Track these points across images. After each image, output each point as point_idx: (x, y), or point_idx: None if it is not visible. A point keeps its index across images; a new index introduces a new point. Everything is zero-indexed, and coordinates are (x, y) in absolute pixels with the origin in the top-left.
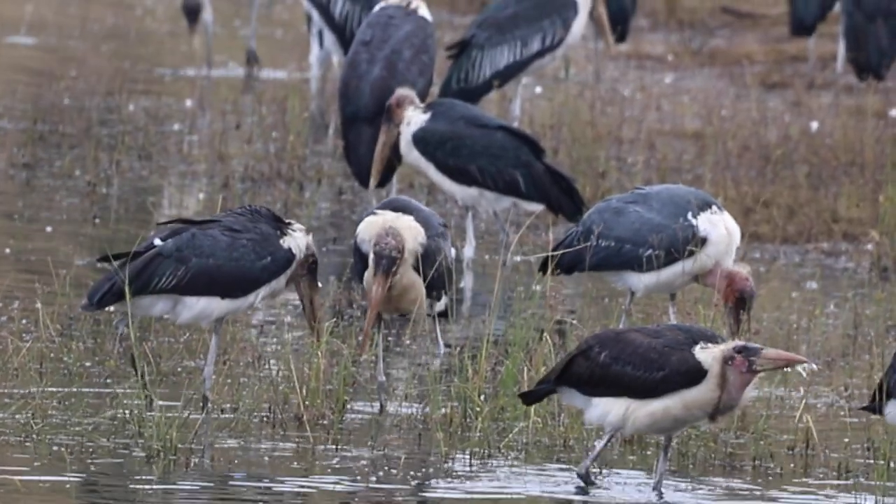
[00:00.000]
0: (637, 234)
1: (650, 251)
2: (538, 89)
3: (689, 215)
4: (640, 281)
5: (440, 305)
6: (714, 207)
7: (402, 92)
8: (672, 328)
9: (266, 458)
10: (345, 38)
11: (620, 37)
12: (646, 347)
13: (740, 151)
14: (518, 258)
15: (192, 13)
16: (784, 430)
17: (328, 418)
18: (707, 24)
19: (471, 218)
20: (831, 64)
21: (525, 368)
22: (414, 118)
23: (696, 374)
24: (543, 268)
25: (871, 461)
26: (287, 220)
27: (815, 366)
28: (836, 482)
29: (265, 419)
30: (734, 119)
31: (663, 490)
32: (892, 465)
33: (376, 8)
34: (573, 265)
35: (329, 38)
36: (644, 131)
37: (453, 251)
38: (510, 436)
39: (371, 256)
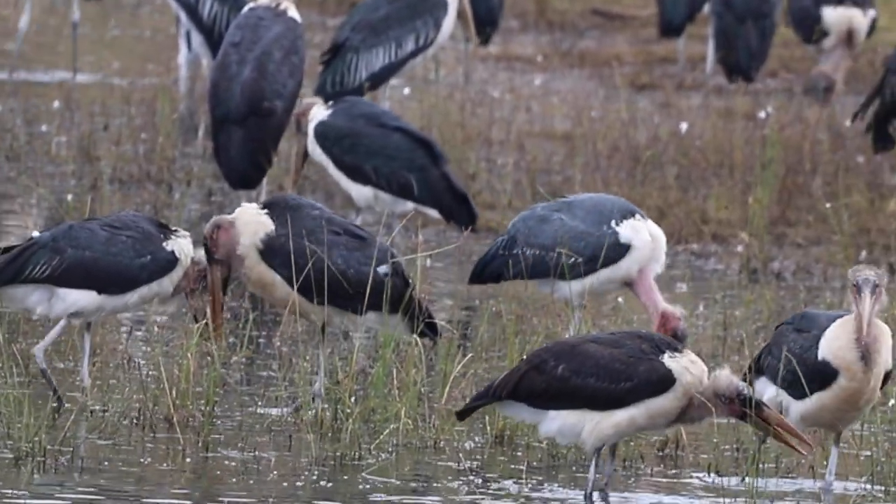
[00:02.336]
0: (561, 241)
1: (573, 259)
2: (407, 91)
3: (613, 223)
4: (569, 289)
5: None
6: (637, 216)
7: (308, 101)
8: (630, 335)
9: (135, 460)
10: (213, 39)
11: (486, 39)
12: (608, 358)
13: (610, 153)
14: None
15: None
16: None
17: (198, 420)
18: (577, 26)
19: (358, 222)
20: (701, 65)
21: (395, 370)
22: (317, 113)
23: (665, 384)
24: (473, 278)
25: (740, 461)
26: (173, 227)
27: (811, 454)
28: (705, 482)
29: (135, 421)
30: (604, 120)
31: (597, 493)
32: (761, 465)
33: (245, 9)
34: (498, 273)
35: (197, 39)
36: (514, 133)
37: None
38: (381, 437)
39: None
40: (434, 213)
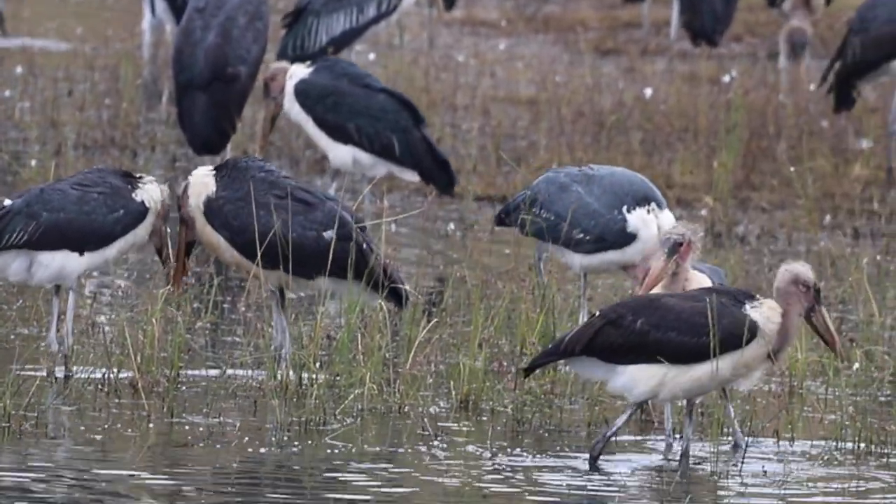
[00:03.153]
0: (573, 215)
1: (582, 235)
2: (372, 56)
3: (625, 209)
4: (574, 260)
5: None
6: (653, 205)
7: (277, 66)
8: (706, 290)
9: (100, 425)
10: (177, 4)
11: (451, 3)
12: (690, 312)
13: (574, 118)
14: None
15: None
16: (618, 395)
17: (163, 385)
18: None
19: (334, 185)
20: (665, 30)
21: (360, 335)
22: (297, 72)
23: (750, 335)
24: (498, 221)
25: (705, 425)
26: (138, 175)
27: (838, 357)
28: (670, 446)
29: (100, 386)
30: (568, 85)
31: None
32: (724, 429)
33: None
34: (518, 225)
35: (161, 5)
36: (478, 98)
37: (330, 233)
38: (346, 402)
39: None
40: (413, 176)
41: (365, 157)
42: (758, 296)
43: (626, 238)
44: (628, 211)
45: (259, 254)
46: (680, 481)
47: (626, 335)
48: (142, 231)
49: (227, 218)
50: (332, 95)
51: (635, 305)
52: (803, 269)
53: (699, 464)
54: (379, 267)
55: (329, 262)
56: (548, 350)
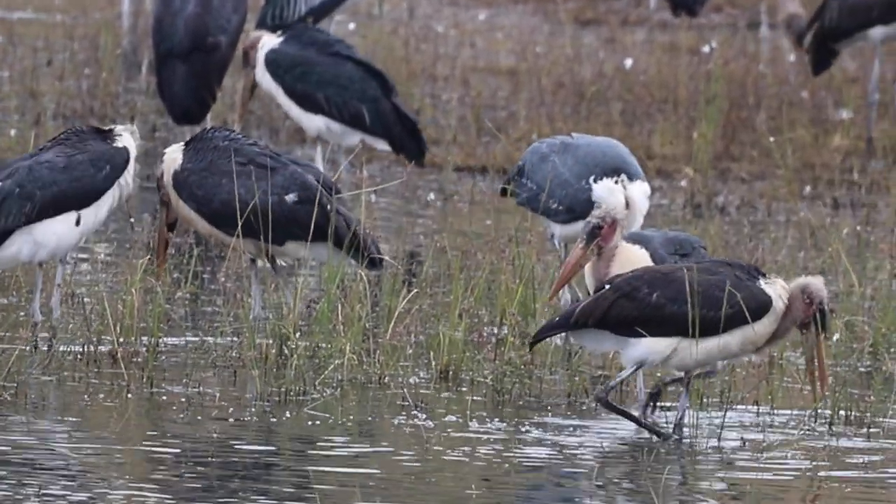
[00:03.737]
0: (552, 187)
1: (556, 205)
2: (352, 26)
3: (592, 179)
4: (555, 230)
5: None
6: (622, 176)
7: (256, 34)
8: (719, 263)
9: (80, 396)
10: None
11: None
12: (706, 285)
13: (555, 88)
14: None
15: None
16: (598, 366)
17: (142, 355)
18: None
19: (319, 152)
20: (645, 0)
21: (340, 305)
22: (268, 41)
23: (763, 309)
24: (502, 191)
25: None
26: (108, 128)
27: (820, 399)
28: (648, 414)
29: (79, 356)
30: (548, 56)
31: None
32: (703, 399)
33: None
34: (514, 194)
35: None
36: (458, 68)
37: (292, 196)
38: (325, 373)
39: None
40: (384, 145)
41: (336, 126)
42: (767, 273)
43: (591, 208)
44: (595, 181)
45: (225, 221)
46: (660, 451)
47: (641, 308)
48: (129, 177)
49: (191, 189)
50: (301, 65)
51: (650, 278)
52: (815, 284)
53: (675, 435)
54: (345, 229)
55: (299, 226)
56: (556, 322)
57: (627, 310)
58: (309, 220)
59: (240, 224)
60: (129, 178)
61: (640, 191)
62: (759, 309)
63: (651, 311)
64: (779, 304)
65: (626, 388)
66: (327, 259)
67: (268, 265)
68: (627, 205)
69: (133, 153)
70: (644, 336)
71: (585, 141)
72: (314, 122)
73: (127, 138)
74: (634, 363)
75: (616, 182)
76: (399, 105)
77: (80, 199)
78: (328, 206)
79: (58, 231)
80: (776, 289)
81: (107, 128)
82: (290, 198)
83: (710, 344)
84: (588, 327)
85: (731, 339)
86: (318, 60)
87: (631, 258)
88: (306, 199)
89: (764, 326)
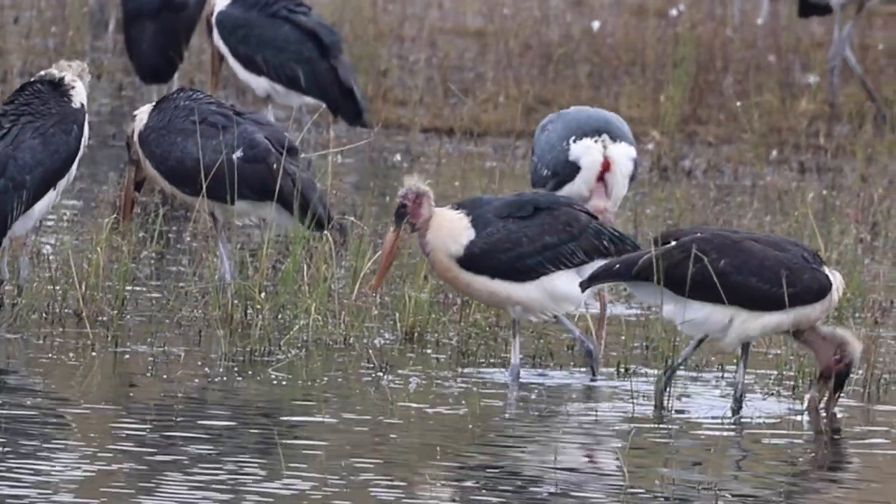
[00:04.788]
0: (542, 153)
1: (546, 171)
2: None
3: (572, 139)
4: None
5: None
6: (604, 136)
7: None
8: (786, 241)
9: (44, 355)
10: None
11: None
12: (774, 261)
13: (522, 50)
14: (313, 155)
15: None
16: (563, 329)
17: (108, 314)
18: None
19: (270, 111)
20: None
21: (305, 266)
22: (219, 3)
23: (822, 294)
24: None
25: (649, 358)
26: (60, 76)
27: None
28: (614, 379)
29: (44, 315)
30: (516, 18)
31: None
32: (669, 362)
33: None
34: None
35: None
36: (426, 29)
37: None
38: (290, 333)
39: None
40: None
41: (279, 87)
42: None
43: (571, 168)
44: (574, 141)
45: (182, 180)
46: (624, 411)
47: (705, 272)
48: (86, 129)
49: (151, 147)
50: (243, 27)
51: (720, 244)
52: (854, 346)
53: (643, 398)
54: (292, 190)
55: (241, 184)
56: (615, 269)
57: (693, 272)
58: (255, 178)
59: (203, 183)
60: (87, 128)
61: (622, 152)
62: (819, 292)
63: (715, 277)
64: (834, 295)
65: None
66: (275, 220)
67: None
68: (608, 166)
69: (85, 101)
70: (704, 301)
71: (578, 109)
72: (259, 84)
73: (79, 88)
74: (691, 329)
75: (595, 142)
76: (338, 67)
77: (62, 169)
78: (275, 166)
79: (43, 204)
80: (837, 277)
81: (58, 75)
82: (237, 155)
83: (767, 319)
84: (648, 281)
85: (786, 318)
86: (258, 22)
87: (444, 223)
88: (252, 158)
89: (816, 311)
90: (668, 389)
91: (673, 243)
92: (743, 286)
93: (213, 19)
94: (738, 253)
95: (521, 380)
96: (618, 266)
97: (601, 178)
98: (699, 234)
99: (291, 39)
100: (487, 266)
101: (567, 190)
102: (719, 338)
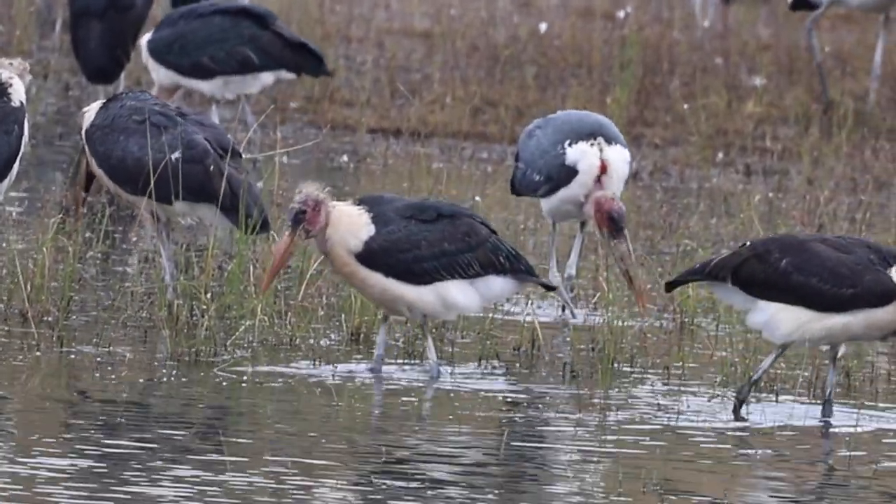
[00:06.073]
0: (531, 158)
1: (537, 177)
2: None
3: (567, 143)
4: (543, 207)
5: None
6: (599, 139)
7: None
8: (859, 243)
9: None
10: None
11: None
12: (835, 262)
13: (469, 51)
14: (260, 156)
15: None
16: (510, 331)
17: (53, 314)
18: None
19: (214, 108)
20: None
21: (251, 266)
22: (145, 37)
23: (887, 297)
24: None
25: (595, 360)
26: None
27: None
28: (559, 380)
29: None
30: (463, 19)
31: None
32: (615, 364)
33: None
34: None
35: None
36: (373, 30)
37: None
38: (237, 334)
39: None
40: (287, 75)
41: (234, 78)
42: None
43: (567, 172)
44: (570, 145)
45: (123, 179)
46: (567, 412)
47: (768, 271)
48: (27, 129)
49: (95, 145)
50: (177, 41)
51: (784, 244)
52: None
53: (591, 399)
54: (230, 193)
55: (179, 185)
56: (693, 269)
57: (756, 270)
58: (193, 179)
59: (144, 182)
60: (26, 125)
61: (618, 155)
62: (880, 296)
63: (777, 276)
64: None
65: (537, 352)
66: (214, 222)
67: (159, 224)
68: (605, 169)
69: (24, 100)
70: (771, 301)
71: (567, 113)
72: (216, 86)
73: (18, 86)
74: (762, 328)
75: (591, 146)
76: (281, 30)
77: (3, 170)
78: (212, 167)
79: None
80: None
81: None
82: (176, 156)
83: (833, 321)
84: (720, 280)
85: (854, 321)
86: (188, 29)
87: (344, 218)
88: (191, 159)
89: (887, 314)
90: (744, 400)
91: (745, 244)
92: (804, 285)
93: (145, 51)
94: (800, 252)
95: (468, 380)
96: (697, 266)
97: (598, 180)
98: (773, 236)
99: (227, 26)
100: (384, 264)
101: (563, 194)
102: (794, 339)
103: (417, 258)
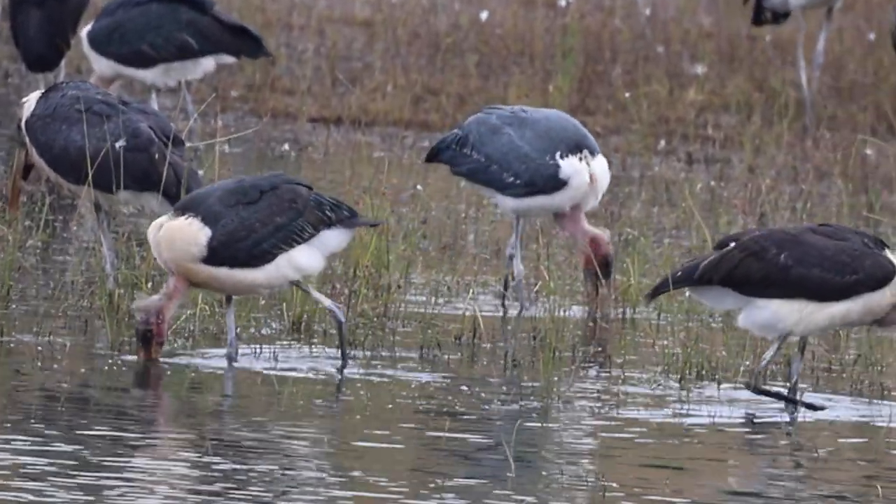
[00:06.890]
0: (504, 158)
1: (513, 179)
2: None
3: (558, 155)
4: (505, 202)
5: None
6: (585, 153)
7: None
8: (847, 230)
9: None
10: None
11: None
12: (834, 250)
13: (410, 39)
14: (201, 145)
15: None
16: (451, 320)
17: None
18: None
19: (154, 96)
20: None
21: None
22: (85, 28)
23: (888, 279)
24: (428, 158)
25: (537, 349)
26: None
27: None
28: (500, 372)
29: None
30: (404, 7)
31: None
32: (556, 353)
33: None
34: (449, 164)
35: None
36: (314, 18)
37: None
38: (177, 323)
39: None
40: (227, 59)
41: (175, 65)
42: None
43: (557, 184)
44: (562, 157)
45: (65, 168)
46: (511, 404)
47: (767, 268)
48: None
49: (36, 134)
50: (116, 30)
51: (779, 239)
52: None
53: (531, 391)
54: (174, 180)
55: (123, 174)
56: (678, 276)
57: (754, 269)
58: (137, 168)
59: (87, 171)
60: None
61: (603, 167)
62: (884, 278)
63: (778, 272)
64: None
65: (478, 341)
66: (159, 210)
67: (98, 213)
68: (592, 182)
69: None
70: (769, 298)
71: (542, 114)
72: (156, 74)
73: None
74: (759, 328)
75: (580, 160)
76: (219, 15)
77: None
78: (157, 155)
79: None
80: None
81: None
82: (120, 144)
83: (835, 309)
84: (712, 284)
85: (854, 307)
86: (126, 17)
87: (176, 235)
88: (135, 147)
89: (884, 297)
90: (760, 389)
91: (732, 245)
92: (806, 278)
93: (86, 40)
94: (798, 245)
95: (407, 372)
96: (680, 273)
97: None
98: (757, 233)
99: (165, 13)
100: (228, 256)
101: (543, 201)
102: (792, 332)
103: (256, 241)
